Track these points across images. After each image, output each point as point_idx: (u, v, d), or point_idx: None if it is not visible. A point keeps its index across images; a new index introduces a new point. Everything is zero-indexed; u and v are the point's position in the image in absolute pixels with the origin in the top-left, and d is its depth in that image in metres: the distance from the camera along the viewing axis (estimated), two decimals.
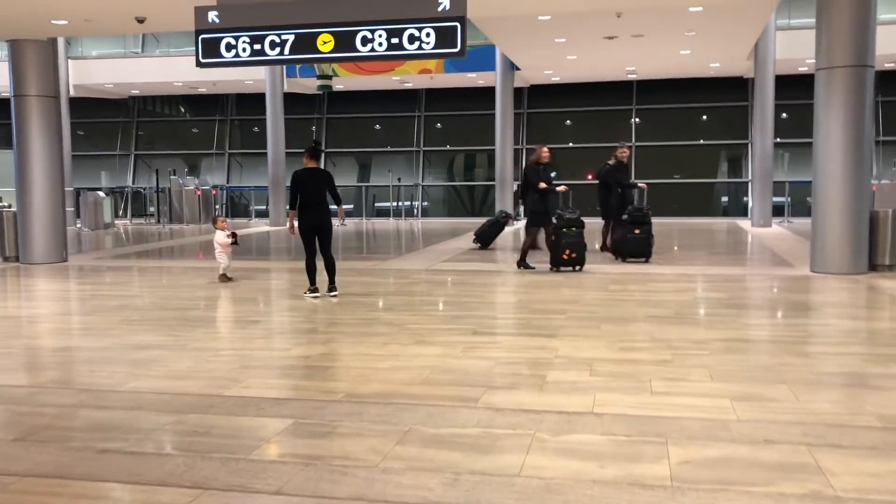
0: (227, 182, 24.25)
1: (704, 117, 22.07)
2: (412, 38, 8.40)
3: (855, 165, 9.37)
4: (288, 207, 8.15)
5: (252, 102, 23.34)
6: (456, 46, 8.37)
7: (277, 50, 8.72)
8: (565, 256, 9.93)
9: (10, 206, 11.41)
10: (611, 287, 8.66)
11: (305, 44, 8.76)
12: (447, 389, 4.55)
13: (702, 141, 21.94)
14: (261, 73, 20.45)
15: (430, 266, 10.89)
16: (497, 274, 10.08)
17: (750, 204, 21.25)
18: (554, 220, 9.89)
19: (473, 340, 5.91)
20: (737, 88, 21.24)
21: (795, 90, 19.45)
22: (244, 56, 8.90)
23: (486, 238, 13.44)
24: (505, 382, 4.69)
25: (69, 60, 21.53)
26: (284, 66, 20.30)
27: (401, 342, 5.89)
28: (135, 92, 23.83)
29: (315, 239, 8.06)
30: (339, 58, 8.68)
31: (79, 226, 19.82)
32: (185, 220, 21.49)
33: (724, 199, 22.25)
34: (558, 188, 10.27)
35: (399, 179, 22.88)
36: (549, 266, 10.01)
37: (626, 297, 7.98)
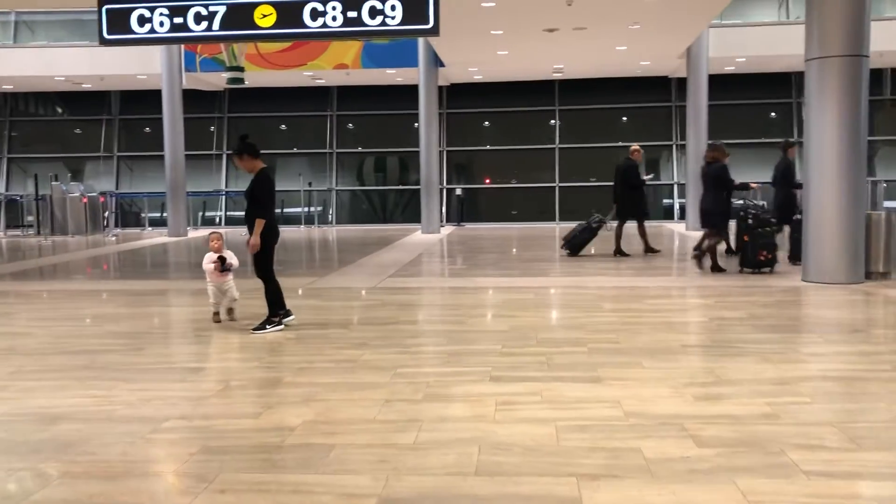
0: (117, 188, 21.87)
1: (625, 118, 21.47)
2: (374, 12, 7.07)
3: (850, 165, 8.59)
4: (257, 218, 6.41)
5: (143, 100, 21.13)
6: (428, 22, 7.07)
7: (204, 25, 7.17)
8: (762, 258, 9.41)
9: None
10: (607, 306, 7.51)
11: (240, 17, 7.28)
12: (524, 484, 3.20)
13: (621, 143, 21.32)
14: (156, 66, 18.38)
15: (377, 283, 9.47)
16: (458, 291, 8.77)
17: (676, 207, 20.84)
18: (748, 220, 9.49)
19: (502, 392, 4.58)
20: (661, 88, 20.75)
21: (725, 90, 19.11)
22: (161, 31, 7.31)
23: (576, 244, 12.10)
24: (596, 466, 3.38)
25: None
26: (182, 59, 18.33)
27: (406, 398, 4.50)
28: (7, 87, 21.15)
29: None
30: (282, 35, 7.21)
31: None
32: (69, 231, 19.09)
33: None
34: (752, 185, 10.51)
35: (310, 184, 21.22)
36: (738, 268, 9.65)
37: (633, 318, 6.84)
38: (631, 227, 11.86)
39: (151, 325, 7.16)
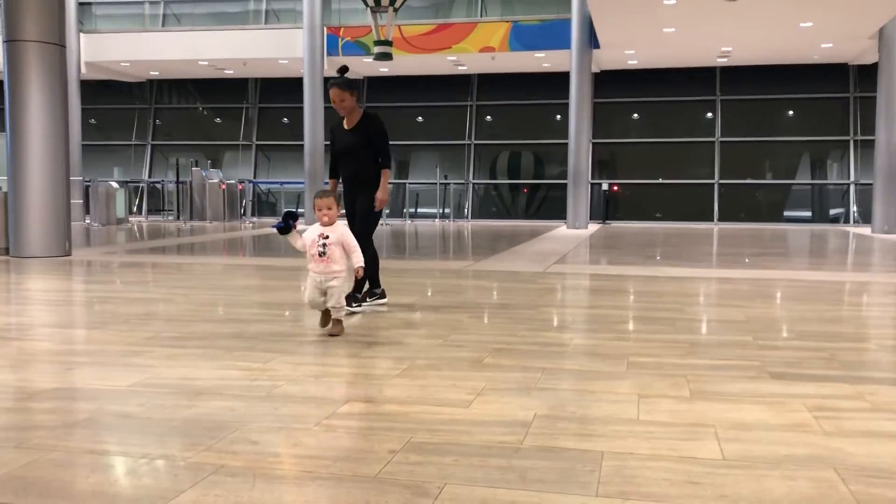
0: (255, 177, 21.63)
1: (791, 112, 19.37)
2: None
3: None
4: (384, 168, 5.48)
5: (283, 88, 20.81)
6: None
7: None
8: None
9: None
10: (851, 300, 5.98)
11: None
12: None
13: (789, 138, 19.20)
14: (298, 50, 17.90)
15: (545, 269, 8.24)
16: (651, 280, 7.40)
17: (853, 208, 18.59)
18: None
19: (802, 394, 3.24)
20: (838, 77, 18.56)
21: None
22: None
23: None
24: None
25: (81, 35, 19.04)
26: (325, 43, 17.76)
27: (667, 394, 3.24)
28: (153, 74, 21.30)
29: None
30: None
31: (88, 221, 17.24)
32: (207, 217, 18.90)
33: (815, 203, 19.47)
34: None
35: (446, 177, 20.26)
36: None
37: None
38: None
39: (302, 299, 6.18)
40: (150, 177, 22.19)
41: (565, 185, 17.20)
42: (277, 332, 4.61)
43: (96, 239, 12.79)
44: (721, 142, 19.11)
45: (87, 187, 17.58)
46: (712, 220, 18.73)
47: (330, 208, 4.44)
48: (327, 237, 4.40)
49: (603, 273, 8.10)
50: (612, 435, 2.70)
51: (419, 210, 20.67)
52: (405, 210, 20.03)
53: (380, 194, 5.40)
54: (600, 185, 19.36)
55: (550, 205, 19.92)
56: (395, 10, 14.22)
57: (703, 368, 3.71)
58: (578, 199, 16.68)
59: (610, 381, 3.44)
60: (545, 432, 2.72)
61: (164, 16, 21.17)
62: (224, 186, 18.98)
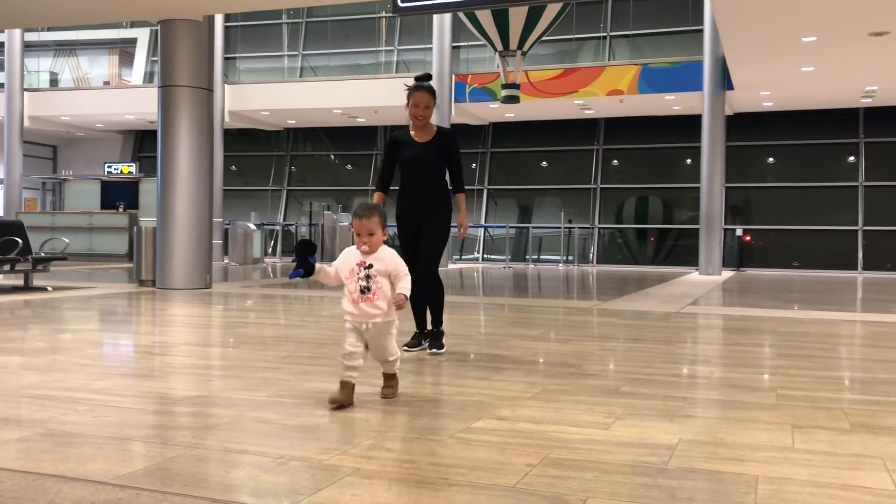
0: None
1: None
2: None
3: None
4: (461, 193, 4.86)
5: None
6: None
7: None
8: None
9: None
10: None
11: None
12: None
13: None
14: None
15: (678, 310, 7.94)
16: (796, 322, 6.97)
17: None
18: None
19: None
20: None
21: None
22: None
23: None
24: None
25: (226, 86, 20.28)
26: (453, 91, 18.11)
27: (823, 425, 3.00)
28: (290, 122, 22.36)
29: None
30: None
31: (226, 260, 18.12)
32: (336, 257, 19.46)
33: None
34: None
35: (570, 221, 20.06)
36: None
37: None
38: None
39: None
40: (284, 220, 23.14)
41: (696, 230, 16.66)
42: (405, 355, 4.61)
43: (234, 275, 13.38)
44: (865, 186, 18.05)
45: (227, 229, 18.51)
46: (855, 269, 17.62)
47: (372, 234, 3.29)
48: (370, 266, 3.27)
49: (742, 314, 7.71)
50: (767, 461, 2.50)
51: (542, 255, 20.53)
52: (528, 255, 19.94)
53: (464, 219, 4.85)
54: (734, 230, 18.64)
55: (680, 251, 19.32)
56: (524, 55, 14.37)
57: (861, 403, 3.42)
58: (711, 244, 16.08)
59: (758, 411, 3.22)
60: (692, 455, 2.55)
61: (302, 68, 22.32)
62: (353, 229, 19.51)
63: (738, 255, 18.37)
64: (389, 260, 3.30)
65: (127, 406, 3.21)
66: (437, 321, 4.78)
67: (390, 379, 3.42)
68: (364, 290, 3.25)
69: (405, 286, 3.29)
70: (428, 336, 4.81)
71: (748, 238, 18.90)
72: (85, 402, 3.22)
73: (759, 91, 16.33)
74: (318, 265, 3.25)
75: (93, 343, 5.11)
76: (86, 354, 4.54)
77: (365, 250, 3.29)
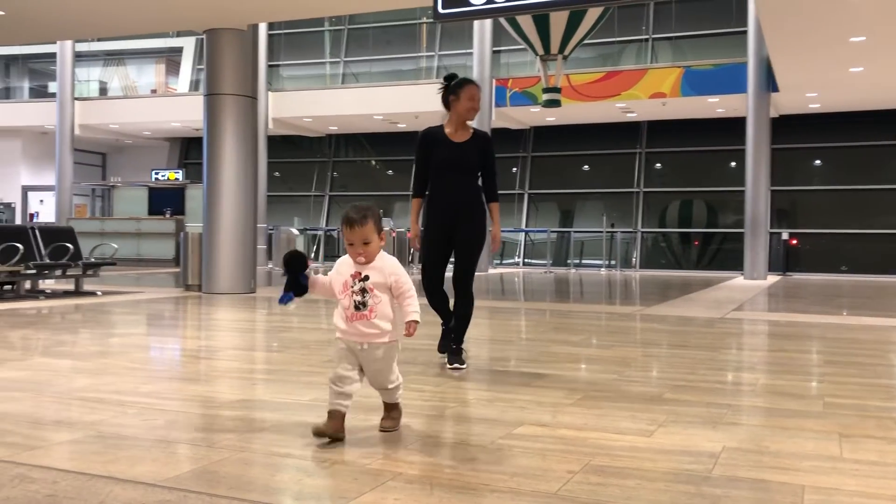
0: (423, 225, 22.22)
1: None
2: None
3: None
4: (493, 203, 4.46)
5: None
6: None
7: None
8: None
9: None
10: None
11: None
12: None
13: None
14: None
15: (723, 315, 7.83)
16: (845, 328, 6.83)
17: None
18: None
19: None
20: None
21: None
22: (500, 1, 6.41)
23: None
24: None
25: (269, 93, 20.56)
26: (493, 95, 18.11)
27: (872, 434, 2.94)
28: (332, 129, 22.58)
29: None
30: None
31: (270, 265, 18.35)
32: None
33: None
34: None
35: (612, 225, 19.89)
36: None
37: None
38: None
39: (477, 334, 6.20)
40: (327, 225, 23.36)
41: (741, 234, 16.42)
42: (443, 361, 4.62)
43: (277, 280, 13.54)
44: None
45: (270, 234, 18.75)
46: None
47: (367, 242, 2.76)
48: (366, 278, 2.77)
49: (788, 320, 7.58)
50: (814, 470, 2.46)
51: (584, 260, 20.40)
52: (569, 259, 19.83)
53: (498, 232, 4.47)
54: (779, 234, 18.32)
55: (724, 255, 19.05)
56: (565, 59, 14.31)
57: None
58: (756, 248, 15.83)
59: (805, 419, 3.17)
60: (736, 463, 2.53)
61: (344, 74, 22.53)
62: (394, 234, 19.63)
63: (784, 260, 18.05)
64: (390, 271, 2.78)
65: (174, 409, 3.28)
66: (461, 338, 4.40)
67: (391, 409, 2.93)
68: (359, 307, 2.75)
69: (414, 308, 2.78)
70: (455, 352, 4.38)
71: (794, 242, 18.55)
72: (133, 406, 3.30)
73: (805, 93, 16.03)
74: (311, 277, 2.80)
75: (141, 347, 5.23)
76: (134, 358, 4.65)
77: (361, 262, 2.77)
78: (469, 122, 4.38)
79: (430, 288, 4.42)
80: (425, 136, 4.39)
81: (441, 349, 4.54)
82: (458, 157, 4.30)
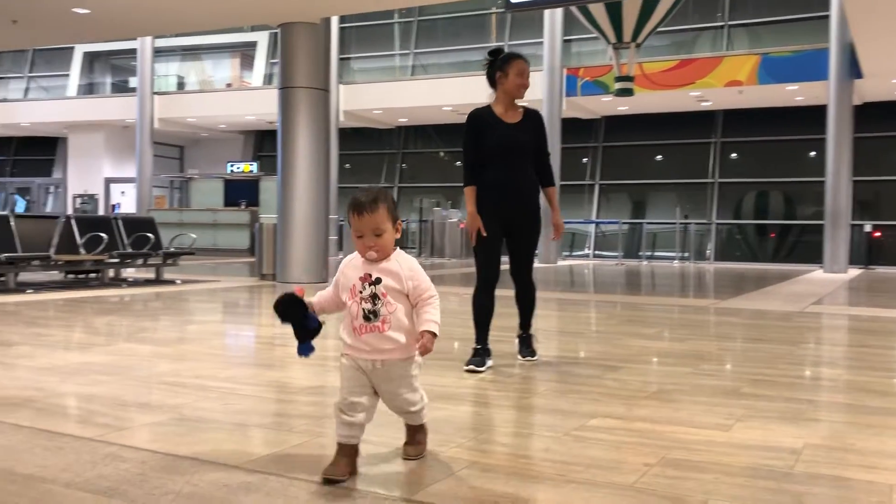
0: None
1: None
2: None
3: None
4: (551, 187, 4.22)
5: None
6: None
7: None
8: None
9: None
10: None
11: None
12: None
13: None
14: (536, 91, 18.22)
15: (801, 309, 7.60)
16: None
17: None
18: None
19: None
20: None
21: None
22: None
23: None
24: None
25: (340, 86, 20.81)
26: (564, 84, 17.93)
27: None
28: (402, 120, 22.73)
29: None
30: None
31: (341, 256, 18.63)
32: (446, 254, 19.68)
33: None
34: None
35: (686, 216, 19.48)
36: None
37: None
38: None
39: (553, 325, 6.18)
40: None
41: (820, 226, 15.88)
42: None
43: None
44: None
45: (341, 225, 19.02)
46: None
47: (380, 233, 2.26)
48: (377, 281, 2.27)
49: (871, 315, 7.31)
50: (893, 468, 2.38)
51: (656, 252, 20.06)
52: (641, 252, 19.53)
53: (559, 218, 4.20)
54: (861, 226, 17.65)
55: (803, 248, 18.46)
56: (638, 47, 14.08)
57: None
58: (837, 241, 15.29)
59: (890, 417, 3.06)
60: (818, 460, 2.46)
61: (413, 66, 22.63)
62: (463, 225, 19.67)
63: (866, 253, 17.39)
64: (408, 274, 2.27)
65: (252, 394, 3.37)
66: (528, 323, 4.24)
67: (415, 432, 2.44)
68: (369, 316, 2.26)
69: (433, 315, 2.27)
70: (526, 342, 4.26)
71: (877, 234, 17.85)
72: (214, 390, 3.40)
73: (890, 79, 15.39)
74: (313, 304, 2.44)
75: (218, 334, 5.38)
76: (212, 344, 4.79)
77: (372, 257, 2.26)
78: (518, 101, 4.08)
79: (484, 295, 4.06)
80: (473, 119, 4.03)
81: (467, 364, 3.95)
82: (512, 140, 3.97)
